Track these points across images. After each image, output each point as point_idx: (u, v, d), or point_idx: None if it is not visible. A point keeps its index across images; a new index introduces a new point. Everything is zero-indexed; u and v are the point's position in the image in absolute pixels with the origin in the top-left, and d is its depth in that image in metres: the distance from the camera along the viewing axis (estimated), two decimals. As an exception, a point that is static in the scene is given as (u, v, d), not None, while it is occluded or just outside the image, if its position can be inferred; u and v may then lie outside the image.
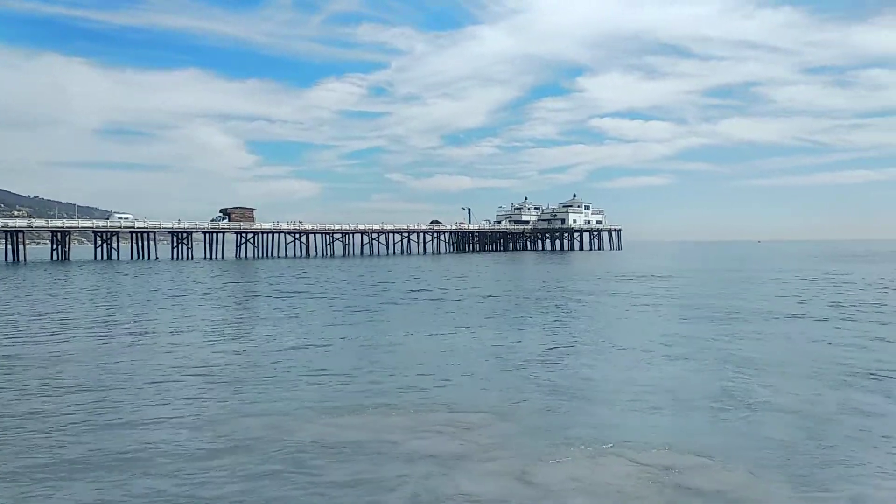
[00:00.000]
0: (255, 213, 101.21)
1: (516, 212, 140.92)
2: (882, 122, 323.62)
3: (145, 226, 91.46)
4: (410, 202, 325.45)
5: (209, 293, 36.43)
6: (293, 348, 17.83)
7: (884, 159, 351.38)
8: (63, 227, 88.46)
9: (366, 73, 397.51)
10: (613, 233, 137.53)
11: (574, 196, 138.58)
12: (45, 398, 12.18)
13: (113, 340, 19.27)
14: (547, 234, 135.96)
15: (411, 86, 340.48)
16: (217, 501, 7.57)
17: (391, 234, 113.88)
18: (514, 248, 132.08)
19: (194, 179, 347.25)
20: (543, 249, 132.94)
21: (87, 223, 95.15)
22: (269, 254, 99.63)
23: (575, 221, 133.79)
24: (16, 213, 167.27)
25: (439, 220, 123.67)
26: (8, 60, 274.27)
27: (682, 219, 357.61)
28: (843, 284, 40.17)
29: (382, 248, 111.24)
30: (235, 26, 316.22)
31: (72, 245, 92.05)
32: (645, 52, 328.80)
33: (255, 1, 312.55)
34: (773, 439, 9.63)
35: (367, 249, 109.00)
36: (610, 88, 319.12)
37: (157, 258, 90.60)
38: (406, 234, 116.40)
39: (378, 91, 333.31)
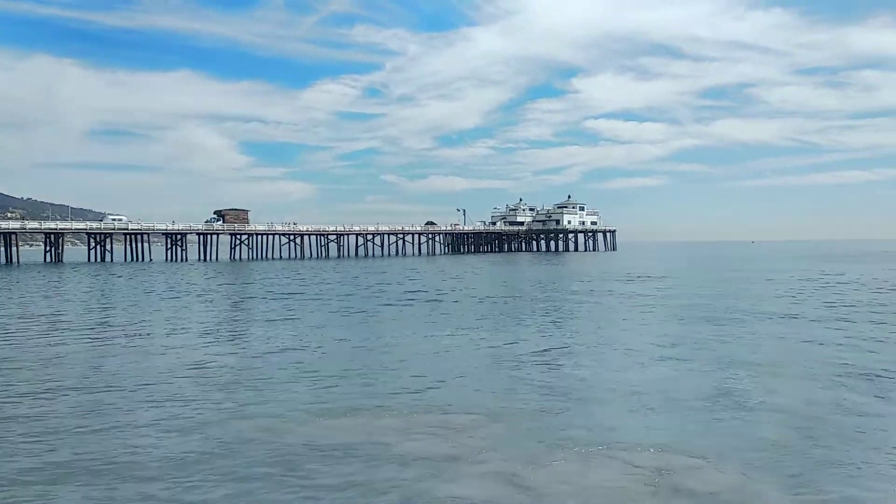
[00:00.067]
0: (250, 215, 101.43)
1: (511, 213, 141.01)
2: (874, 123, 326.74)
3: (139, 227, 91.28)
4: (405, 203, 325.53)
5: (203, 295, 36.30)
6: (286, 350, 17.76)
7: (876, 160, 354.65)
8: (56, 229, 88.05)
9: (360, 75, 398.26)
10: (608, 234, 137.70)
11: (569, 197, 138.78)
12: (35, 401, 12.08)
13: (106, 343, 19.16)
14: (542, 235, 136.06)
15: (406, 87, 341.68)
16: (207, 505, 7.50)
17: (386, 236, 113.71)
18: (509, 249, 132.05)
19: (188, 181, 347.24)
20: (538, 250, 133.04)
21: (81, 225, 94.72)
22: (264, 255, 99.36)
23: (570, 222, 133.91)
24: (9, 214, 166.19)
25: (434, 222, 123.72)
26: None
27: (676, 220, 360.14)
28: (836, 284, 40.30)
29: (377, 250, 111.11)
30: (228, 27, 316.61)
31: (65, 247, 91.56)
32: (638, 53, 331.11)
33: (247, 2, 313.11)
34: (766, 440, 9.63)
35: (361, 251, 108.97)
36: (604, 89, 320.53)
37: (151, 260, 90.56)
38: (401, 236, 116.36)
39: (372, 92, 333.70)
